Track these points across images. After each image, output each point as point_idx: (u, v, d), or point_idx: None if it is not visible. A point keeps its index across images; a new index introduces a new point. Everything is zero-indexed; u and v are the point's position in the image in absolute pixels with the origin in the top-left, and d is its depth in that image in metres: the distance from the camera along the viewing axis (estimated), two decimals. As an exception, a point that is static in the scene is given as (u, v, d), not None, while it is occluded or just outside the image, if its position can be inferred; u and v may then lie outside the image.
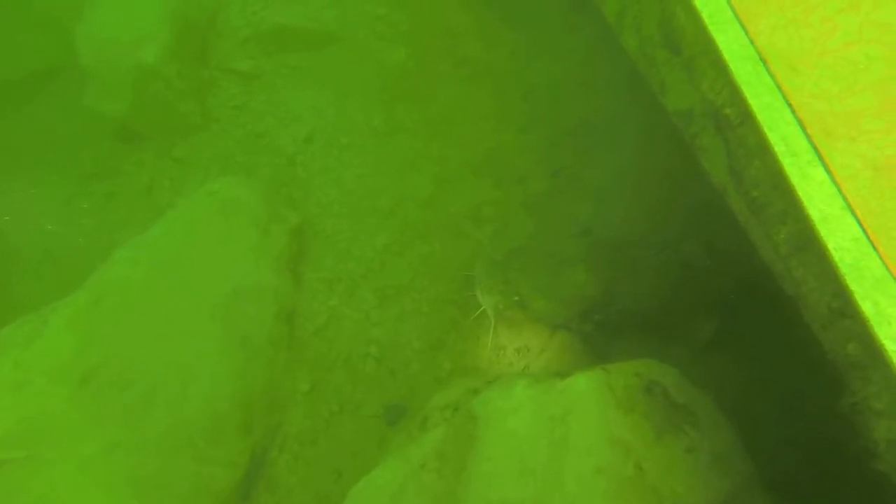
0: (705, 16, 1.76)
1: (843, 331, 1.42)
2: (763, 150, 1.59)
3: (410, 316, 3.10)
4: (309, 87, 3.84)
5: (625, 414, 1.99)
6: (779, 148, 1.50)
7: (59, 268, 3.26)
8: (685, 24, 1.99)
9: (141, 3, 3.43)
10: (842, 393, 1.45)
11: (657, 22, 2.37)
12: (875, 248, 1.36)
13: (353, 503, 2.13)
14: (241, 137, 3.68)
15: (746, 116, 1.65)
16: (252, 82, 3.85)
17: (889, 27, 1.87)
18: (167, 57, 3.38)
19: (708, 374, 2.45)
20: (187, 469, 2.41)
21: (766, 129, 1.54)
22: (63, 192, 3.51)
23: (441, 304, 3.13)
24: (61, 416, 2.14)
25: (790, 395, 2.57)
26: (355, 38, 3.93)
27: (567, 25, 3.89)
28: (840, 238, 1.37)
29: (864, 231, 1.40)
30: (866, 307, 1.30)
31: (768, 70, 1.66)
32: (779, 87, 1.61)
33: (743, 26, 1.74)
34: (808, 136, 1.52)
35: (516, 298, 2.77)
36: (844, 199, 1.43)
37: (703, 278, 2.81)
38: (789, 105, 1.58)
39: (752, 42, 1.71)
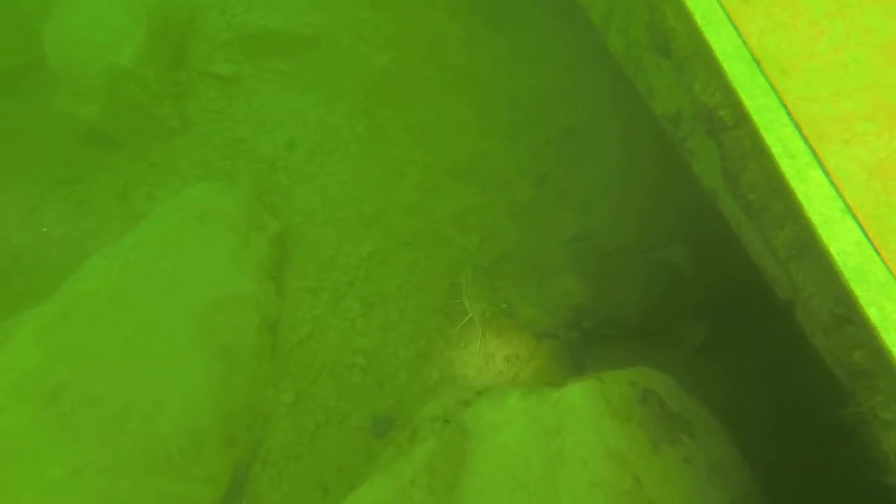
0: (698, 17, 1.74)
1: (847, 338, 1.39)
2: (759, 152, 1.56)
3: (396, 325, 3.04)
4: (291, 91, 3.77)
5: (620, 424, 1.94)
6: (776, 150, 1.47)
7: (27, 278, 3.11)
8: (676, 26, 1.97)
9: (114, 2, 3.32)
10: (845, 402, 1.41)
11: (646, 24, 2.35)
12: (878, 252, 1.34)
13: (340, 522, 2.04)
14: (221, 143, 3.59)
15: (741, 118, 1.63)
16: (232, 86, 3.76)
17: (875, 31, 1.88)
18: (143, 59, 3.27)
19: (698, 382, 2.42)
20: (164, 488, 2.29)
21: (762, 131, 1.51)
22: (31, 199, 3.36)
23: (427, 313, 3.08)
24: (25, 436, 2.01)
25: (786, 403, 2.55)
26: (338, 43, 3.88)
27: (551, 31, 3.88)
28: (842, 242, 1.34)
29: (866, 234, 1.37)
30: (872, 313, 1.27)
31: (762, 71, 1.63)
32: (773, 89, 1.59)
33: (735, 27, 1.72)
34: (804, 138, 1.49)
35: (504, 306, 2.73)
36: (844, 201, 1.41)
37: (691, 286, 2.80)
38: (784, 107, 1.56)
39: (745, 43, 1.69)
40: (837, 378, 1.66)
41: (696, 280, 2.78)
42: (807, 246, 1.44)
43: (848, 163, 1.58)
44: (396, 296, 3.11)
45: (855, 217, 1.41)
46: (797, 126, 1.53)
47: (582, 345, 2.86)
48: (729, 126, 1.71)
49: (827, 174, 1.45)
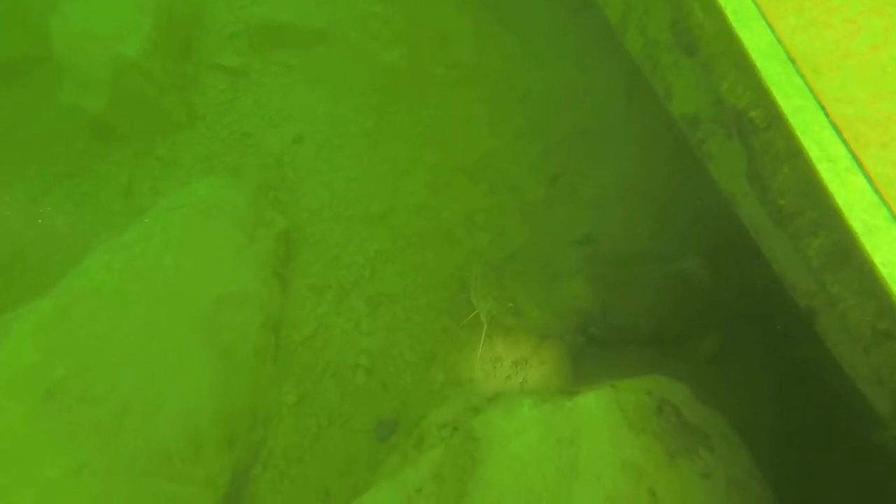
0: (729, 12, 1.66)
1: (890, 355, 1.31)
2: (793, 155, 1.48)
3: (402, 325, 2.98)
4: (299, 86, 3.71)
5: (636, 435, 1.87)
6: (813, 153, 1.39)
7: (29, 273, 3.05)
8: (703, 22, 1.89)
9: (121, -7, 3.26)
10: (883, 423, 1.33)
11: (668, 22, 2.27)
12: (924, 263, 1.26)
13: (343, 530, 1.98)
14: (227, 137, 3.53)
15: (774, 119, 1.55)
16: (239, 80, 3.70)
17: (915, 30, 1.79)
18: (149, 51, 3.20)
19: (711, 392, 2.35)
20: (162, 490, 2.23)
21: (798, 133, 1.44)
22: (35, 192, 3.29)
23: (434, 314, 3.02)
24: (21, 435, 1.94)
25: (805, 419, 2.47)
26: (348, 37, 3.81)
27: (564, 28, 3.81)
28: (888, 252, 1.26)
29: (912, 245, 1.29)
30: (919, 328, 1.19)
31: (798, 70, 1.55)
32: (810, 89, 1.51)
33: (769, 24, 1.64)
34: (844, 141, 1.41)
35: (511, 305, 2.68)
36: (889, 208, 1.33)
37: (704, 298, 2.72)
38: (822, 107, 1.48)
39: (779, 41, 1.61)
40: (866, 396, 1.58)
41: (710, 292, 2.70)
42: (846, 255, 1.36)
43: (887, 168, 1.50)
44: (402, 296, 3.05)
45: (900, 226, 1.33)
46: (836, 128, 1.45)
47: (587, 350, 2.81)
48: (760, 128, 1.64)
49: (869, 179, 1.37)
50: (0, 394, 1.98)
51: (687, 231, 3.07)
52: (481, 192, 3.35)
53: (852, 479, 2.08)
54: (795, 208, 1.54)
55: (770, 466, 2.12)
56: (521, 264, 2.84)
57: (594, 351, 2.83)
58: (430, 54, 3.78)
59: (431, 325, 2.97)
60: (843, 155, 1.40)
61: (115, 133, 3.38)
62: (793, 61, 1.59)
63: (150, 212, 2.88)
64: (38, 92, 3.49)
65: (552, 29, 3.85)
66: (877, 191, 1.36)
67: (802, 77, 1.56)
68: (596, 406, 1.87)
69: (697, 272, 2.67)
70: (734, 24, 1.64)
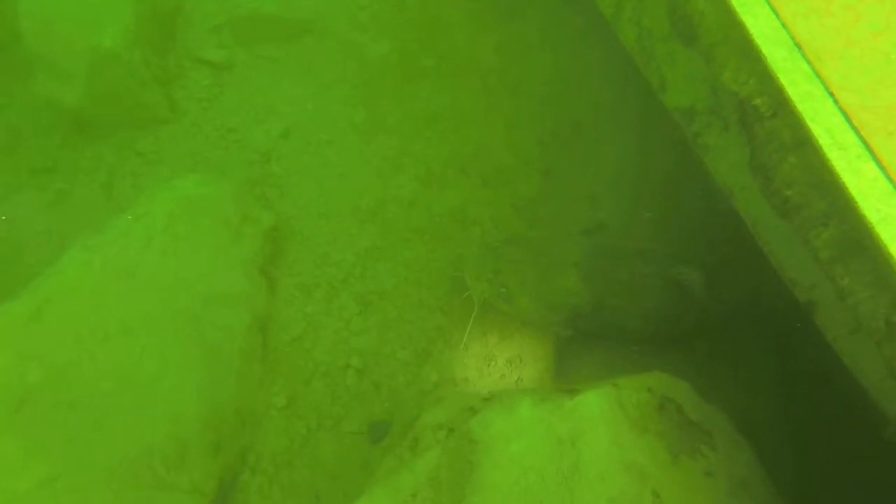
0: (732, -3, 1.60)
1: (907, 349, 1.26)
2: (800, 144, 1.43)
3: (394, 324, 2.92)
4: (286, 79, 3.61)
5: (638, 435, 1.81)
6: (823, 141, 1.34)
7: (2, 273, 2.93)
8: (704, 9, 1.83)
9: (98, -21, 3.13)
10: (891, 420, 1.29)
11: (666, 10, 2.22)
12: (942, 255, 1.21)
13: (336, 538, 1.91)
14: (212, 132, 3.43)
15: (780, 107, 1.49)
16: (224, 73, 3.59)
17: (918, 16, 1.76)
18: (129, 41, 3.08)
19: (712, 388, 2.31)
20: (145, 499, 2.14)
21: (807, 121, 1.38)
22: (7, 188, 3.16)
23: (426, 312, 2.96)
24: (-9, 446, 1.85)
25: (811, 416, 2.43)
26: (336, 29, 3.73)
27: (558, 18, 3.75)
28: (905, 242, 1.21)
29: (928, 235, 1.24)
30: (938, 321, 1.14)
31: (804, 56, 1.50)
32: (818, 75, 1.46)
33: (773, 9, 1.59)
34: (855, 129, 1.36)
35: (503, 290, 2.65)
36: (903, 197, 1.28)
37: (700, 307, 2.68)
38: (831, 94, 1.42)
39: (784, 26, 1.56)
40: (868, 390, 1.54)
41: (707, 303, 2.67)
42: (858, 246, 1.31)
43: (893, 157, 1.45)
44: (394, 294, 2.98)
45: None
46: (846, 115, 1.40)
47: (575, 343, 2.79)
48: (765, 116, 1.58)
49: (882, 167, 1.31)
50: (-32, 402, 1.88)
51: (687, 226, 3.03)
52: (474, 185, 3.29)
53: (857, 475, 2.05)
54: (803, 199, 1.49)
55: (773, 463, 2.08)
56: (519, 249, 2.81)
57: (582, 344, 2.80)
58: (419, 46, 3.71)
59: (424, 323, 2.92)
60: (854, 142, 1.35)
61: (94, 127, 3.25)
62: (799, 47, 1.54)
63: (130, 209, 2.77)
64: (7, 81, 3.35)
65: (545, 19, 3.78)
66: (890, 179, 1.31)
67: (809, 63, 1.50)
68: (597, 405, 1.81)
69: (695, 285, 2.64)
70: (738, 10, 1.59)
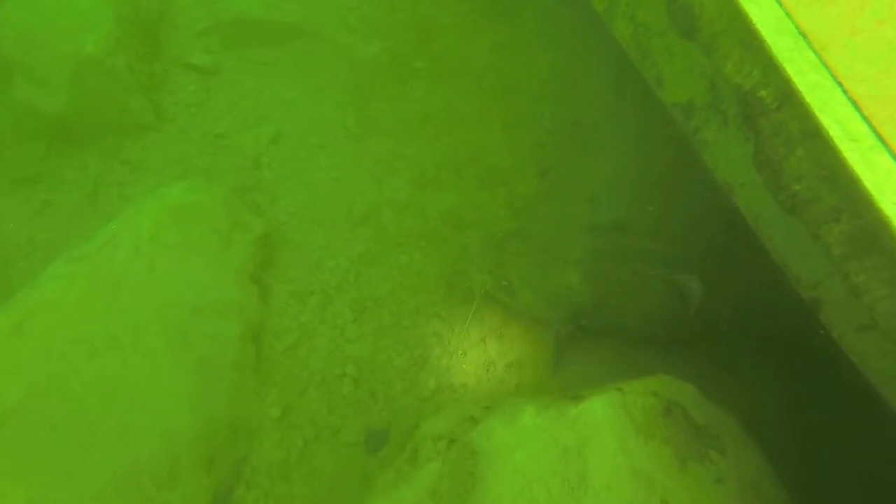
0: (734, -14, 1.55)
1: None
2: (809, 136, 1.38)
3: (390, 331, 2.85)
4: (274, 84, 3.55)
5: (645, 441, 1.75)
6: (834, 132, 1.29)
7: (-16, 287, 2.85)
8: (705, 1, 1.78)
9: (78, -17, 3.06)
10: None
11: (664, 1, 2.17)
12: (964, 249, 1.16)
13: (335, 555, 1.83)
14: (200, 138, 3.36)
15: (787, 99, 1.44)
16: (211, 79, 3.53)
17: (924, 3, 1.71)
18: (111, 46, 3.00)
19: (718, 390, 2.25)
20: (135, 519, 2.06)
21: (816, 112, 1.33)
22: (-13, 199, 3.10)
23: (423, 318, 2.90)
24: (-31, 470, 1.77)
25: (815, 417, 2.38)
26: (325, 32, 3.67)
27: (553, 16, 3.71)
28: (925, 237, 1.16)
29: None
30: (961, 319, 1.09)
31: (810, 45, 1.45)
32: (825, 65, 1.40)
33: (776, -2, 1.54)
34: (866, 119, 1.31)
35: (505, 283, 2.65)
36: (919, 190, 1.22)
37: (699, 313, 2.64)
38: (840, 84, 1.37)
39: (788, 15, 1.50)
40: (877, 387, 1.48)
41: (706, 311, 2.63)
42: (874, 241, 1.25)
43: (903, 148, 1.40)
44: (389, 300, 2.92)
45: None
46: (856, 105, 1.34)
47: (576, 342, 2.75)
48: (770, 109, 1.53)
49: (896, 159, 1.26)
50: (-55, 425, 1.79)
51: (687, 224, 2.99)
52: (470, 187, 3.24)
53: (869, 476, 1.99)
54: (812, 193, 1.44)
55: (777, 464, 2.03)
56: (523, 243, 2.79)
57: (582, 342, 2.76)
58: (411, 47, 3.65)
59: (420, 329, 2.86)
60: (866, 133, 1.30)
61: (79, 135, 3.17)
62: (804, 36, 1.48)
63: (117, 218, 2.69)
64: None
65: (540, 17, 3.73)
66: (906, 171, 1.26)
67: (816, 52, 1.45)
68: (602, 412, 1.75)
69: (696, 292, 2.60)
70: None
